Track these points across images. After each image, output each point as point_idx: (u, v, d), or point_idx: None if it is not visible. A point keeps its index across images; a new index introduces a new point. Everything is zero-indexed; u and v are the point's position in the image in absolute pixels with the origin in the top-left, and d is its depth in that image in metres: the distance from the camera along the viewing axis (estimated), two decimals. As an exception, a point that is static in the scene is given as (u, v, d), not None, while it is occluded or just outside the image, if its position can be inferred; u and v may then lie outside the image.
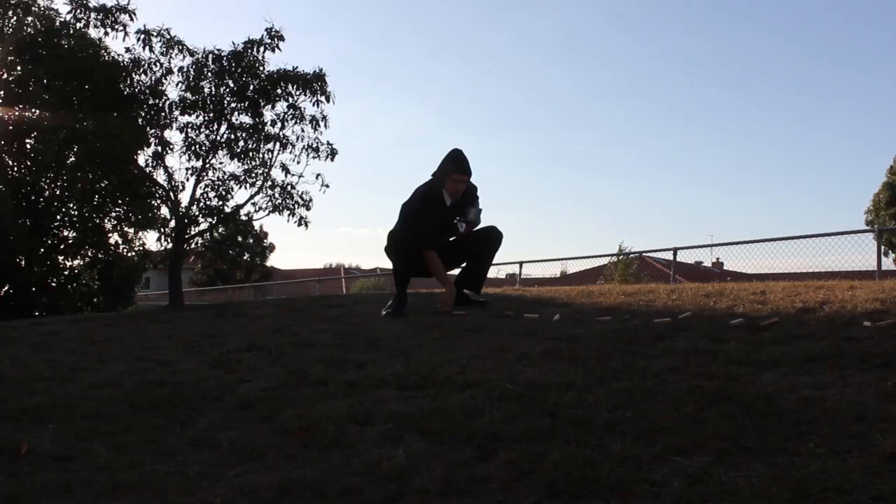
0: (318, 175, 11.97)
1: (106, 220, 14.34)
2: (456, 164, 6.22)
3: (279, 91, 11.52)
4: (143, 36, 11.13)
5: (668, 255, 16.43)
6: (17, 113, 11.73)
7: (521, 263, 18.81)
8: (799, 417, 2.52)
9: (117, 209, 13.62)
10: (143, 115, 11.32)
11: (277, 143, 11.70)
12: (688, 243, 19.88)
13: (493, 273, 20.24)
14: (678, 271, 16.11)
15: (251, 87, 11.38)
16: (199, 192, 11.57)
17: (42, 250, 14.18)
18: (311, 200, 11.93)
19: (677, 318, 4.81)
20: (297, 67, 11.49)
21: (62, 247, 14.69)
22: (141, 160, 11.53)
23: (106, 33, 11.20)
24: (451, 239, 6.48)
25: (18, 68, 11.61)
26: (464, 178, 6.21)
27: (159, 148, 11.46)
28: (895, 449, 2.13)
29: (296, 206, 11.83)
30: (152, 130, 11.39)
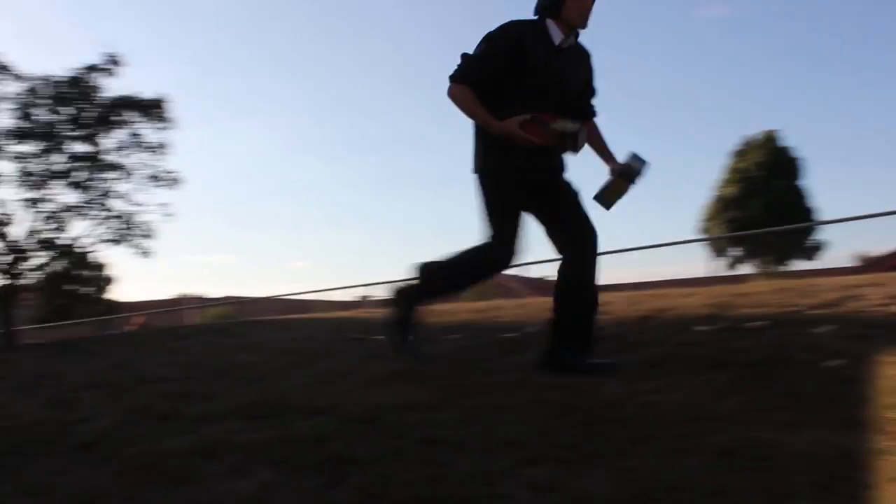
0: (162, 204, 11.60)
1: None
2: None
3: (118, 118, 11.13)
4: (-31, 61, 10.53)
5: (516, 271, 16.78)
6: None
7: (368, 285, 18.89)
8: (639, 422, 2.61)
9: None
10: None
11: (117, 172, 11.29)
12: (533, 258, 20.37)
13: (342, 295, 20.22)
14: (525, 286, 16.48)
15: (88, 113, 10.95)
16: (33, 224, 11.02)
17: None
18: (153, 230, 11.55)
19: (523, 332, 4.90)
20: (135, 94, 11.15)
21: None
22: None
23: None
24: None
25: None
26: None
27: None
28: (727, 445, 2.24)
29: (136, 236, 11.44)
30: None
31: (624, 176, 3.90)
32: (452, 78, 3.86)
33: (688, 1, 60.86)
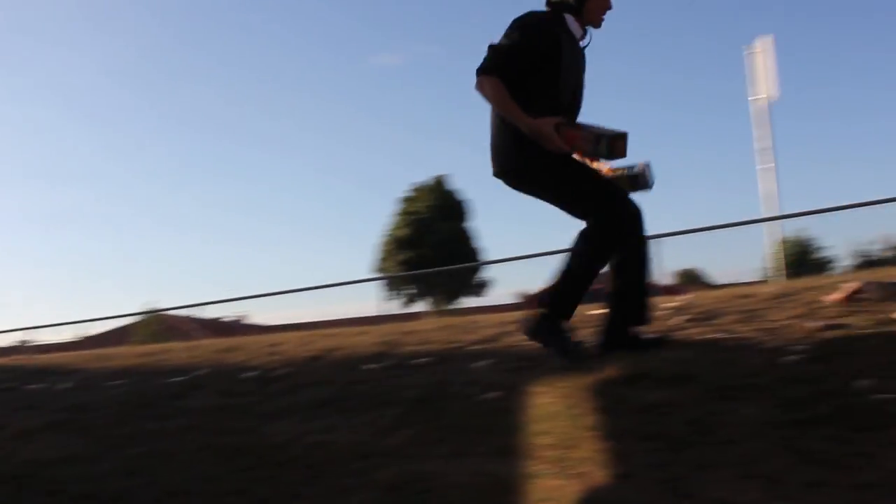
0: None
1: None
2: None
3: None
4: None
5: (189, 312, 16.33)
6: None
7: (27, 329, 17.57)
8: (309, 462, 2.63)
9: None
10: None
11: None
12: (208, 298, 19.94)
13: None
14: (199, 327, 16.06)
15: None
16: None
17: None
18: None
19: (193, 375, 4.77)
20: None
21: None
22: None
23: None
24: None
25: None
26: None
27: None
28: (393, 480, 2.32)
29: None
30: None
31: (632, 181, 3.58)
32: (482, 70, 3.47)
33: (363, 49, 62.55)
